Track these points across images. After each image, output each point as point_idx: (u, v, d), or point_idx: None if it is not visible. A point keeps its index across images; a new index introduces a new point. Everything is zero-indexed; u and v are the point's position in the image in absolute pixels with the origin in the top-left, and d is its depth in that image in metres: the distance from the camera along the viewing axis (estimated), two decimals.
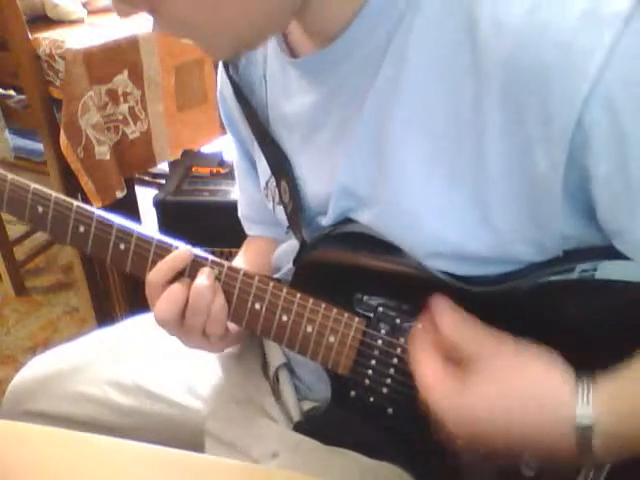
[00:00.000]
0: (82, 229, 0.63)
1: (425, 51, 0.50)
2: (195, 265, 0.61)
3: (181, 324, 0.61)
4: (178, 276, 0.61)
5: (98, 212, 0.63)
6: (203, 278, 0.60)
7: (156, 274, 0.61)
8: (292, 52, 0.61)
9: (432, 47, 0.50)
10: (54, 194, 0.64)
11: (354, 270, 0.60)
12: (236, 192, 0.84)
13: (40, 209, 0.64)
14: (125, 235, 0.63)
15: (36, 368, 0.81)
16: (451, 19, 0.48)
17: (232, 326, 0.65)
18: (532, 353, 0.49)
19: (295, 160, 0.64)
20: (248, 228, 0.83)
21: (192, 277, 0.61)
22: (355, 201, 0.58)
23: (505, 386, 0.49)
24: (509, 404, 0.49)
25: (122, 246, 0.63)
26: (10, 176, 0.65)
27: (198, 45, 0.54)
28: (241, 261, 0.80)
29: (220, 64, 0.71)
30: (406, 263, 0.56)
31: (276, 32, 0.58)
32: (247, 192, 0.80)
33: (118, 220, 0.63)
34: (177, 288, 0.60)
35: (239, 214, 0.84)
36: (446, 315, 0.52)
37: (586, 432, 0.46)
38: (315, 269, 0.62)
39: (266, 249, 0.79)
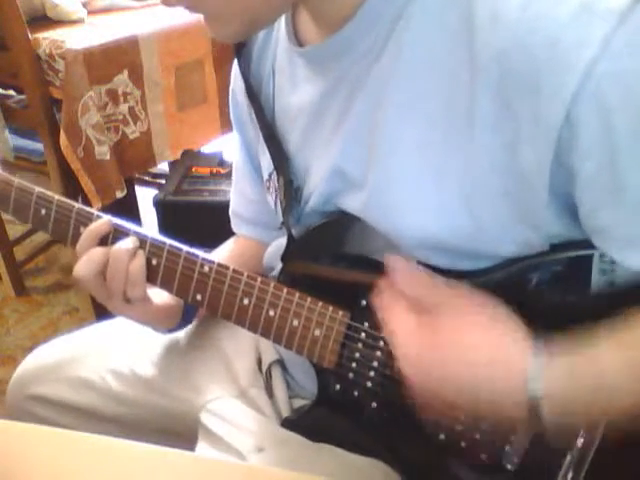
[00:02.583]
0: (82, 230, 0.65)
1: (424, 40, 0.50)
2: (119, 235, 0.64)
3: (103, 287, 0.63)
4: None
5: (97, 213, 0.65)
6: (121, 243, 0.63)
7: (80, 242, 0.64)
8: (300, 43, 0.62)
9: (431, 36, 0.50)
10: (56, 197, 0.66)
11: (337, 265, 0.61)
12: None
13: (43, 211, 0.67)
14: (122, 235, 0.64)
15: (40, 355, 0.83)
16: (451, 10, 0.49)
17: (158, 298, 0.67)
18: (491, 312, 0.51)
19: (299, 153, 0.65)
20: (237, 226, 0.84)
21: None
22: (344, 183, 0.59)
23: (466, 340, 0.50)
24: (468, 357, 0.50)
25: None
26: (17, 181, 0.68)
27: (208, 22, 0.54)
28: (225, 258, 0.80)
29: (235, 61, 0.72)
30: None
31: (286, 11, 0.59)
32: (244, 192, 0.81)
33: (115, 220, 0.65)
34: (97, 250, 0.63)
35: (230, 210, 0.84)
36: (401, 273, 0.54)
37: (536, 385, 0.46)
38: (301, 265, 0.63)
39: (253, 252, 0.80)
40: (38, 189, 0.67)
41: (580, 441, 0.52)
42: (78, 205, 0.66)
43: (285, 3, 0.54)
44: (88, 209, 0.66)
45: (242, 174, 0.80)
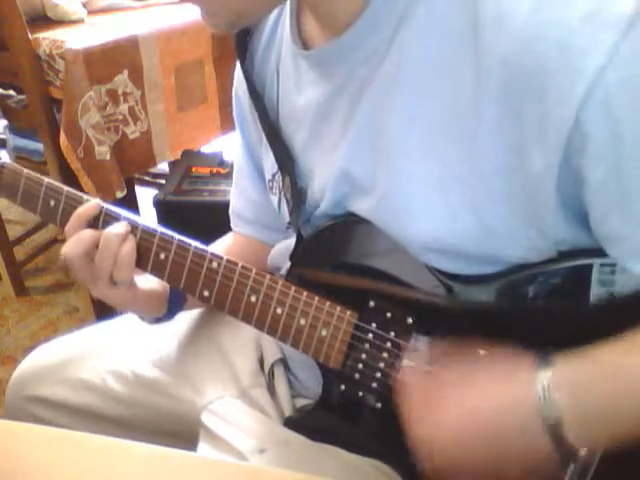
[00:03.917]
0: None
1: (428, 42, 0.50)
2: (110, 220, 0.65)
3: (89, 267, 0.64)
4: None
5: (107, 206, 0.66)
6: (113, 227, 0.63)
7: (70, 223, 0.65)
8: (305, 45, 0.61)
9: (436, 40, 0.50)
10: (66, 188, 0.67)
11: (346, 266, 0.61)
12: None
13: (52, 202, 0.67)
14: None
15: (39, 356, 0.83)
16: (457, 13, 0.48)
17: (144, 284, 0.68)
18: (494, 351, 0.51)
19: (303, 155, 0.65)
20: (236, 225, 0.84)
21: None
22: (352, 187, 0.59)
23: (470, 388, 0.50)
24: (474, 399, 0.49)
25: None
26: (26, 171, 0.68)
27: (201, 12, 0.55)
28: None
29: (238, 62, 0.72)
30: (396, 259, 0.58)
31: (275, 8, 0.60)
32: (245, 193, 0.81)
33: (125, 213, 0.65)
34: (87, 232, 0.64)
35: (230, 210, 0.84)
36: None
37: (548, 404, 0.45)
38: (310, 265, 0.63)
39: (251, 250, 0.80)
40: (47, 180, 0.68)
41: (584, 450, 0.52)
42: (87, 197, 0.66)
43: (272, 1, 0.55)
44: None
45: (244, 174, 0.80)
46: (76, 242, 0.63)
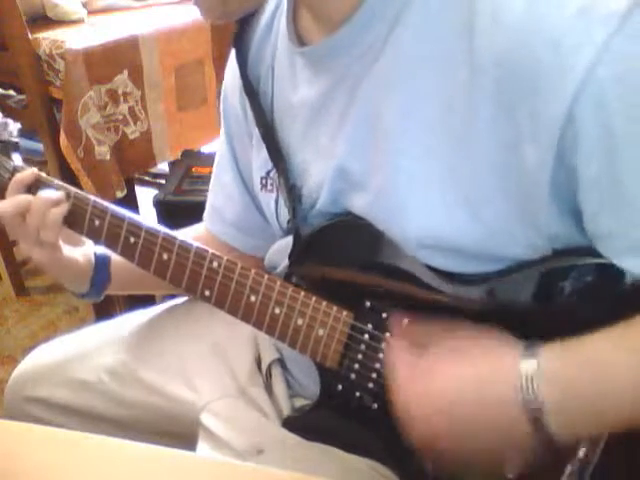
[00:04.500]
0: (97, 222, 0.67)
1: (424, 41, 0.50)
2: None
3: (20, 227, 0.68)
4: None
5: (112, 207, 0.67)
6: (47, 191, 0.68)
7: (9, 189, 0.69)
8: (301, 42, 0.61)
9: (431, 38, 0.50)
10: (74, 189, 0.69)
11: (344, 266, 0.61)
12: None
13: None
14: (135, 229, 0.66)
15: (39, 356, 0.84)
16: (452, 11, 0.49)
17: (68, 252, 0.70)
18: (482, 331, 0.52)
19: (298, 152, 0.64)
20: (213, 223, 0.81)
21: None
22: (348, 183, 0.59)
23: (457, 359, 0.51)
24: (461, 375, 0.50)
25: (132, 239, 0.66)
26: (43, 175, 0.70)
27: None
28: None
29: (232, 53, 0.71)
30: (394, 259, 0.58)
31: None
32: (227, 190, 0.79)
33: (129, 214, 0.67)
34: (23, 195, 0.68)
35: (208, 206, 0.82)
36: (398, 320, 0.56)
37: (531, 391, 0.46)
38: (307, 264, 0.63)
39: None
40: (57, 181, 0.69)
41: (582, 451, 0.52)
42: (94, 198, 0.68)
43: None
44: (104, 203, 0.68)
45: (232, 175, 0.78)
46: (11, 201, 0.67)
